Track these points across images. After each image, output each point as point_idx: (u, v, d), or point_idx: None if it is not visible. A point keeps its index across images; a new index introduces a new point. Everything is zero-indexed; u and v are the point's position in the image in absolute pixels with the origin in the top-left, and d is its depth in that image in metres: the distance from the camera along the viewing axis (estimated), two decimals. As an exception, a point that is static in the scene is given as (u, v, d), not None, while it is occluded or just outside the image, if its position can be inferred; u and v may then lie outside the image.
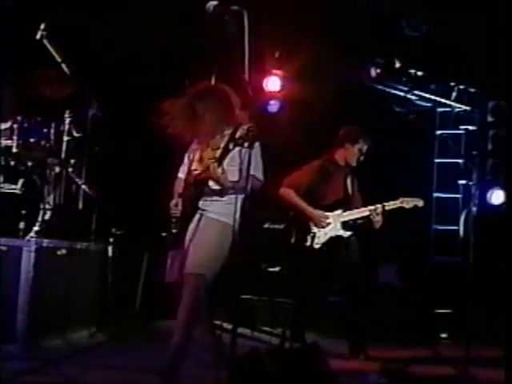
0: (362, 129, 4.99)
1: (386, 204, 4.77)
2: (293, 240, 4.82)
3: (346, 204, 4.85)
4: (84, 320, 4.58)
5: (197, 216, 3.69)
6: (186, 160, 3.87)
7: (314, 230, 4.78)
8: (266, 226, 6.07)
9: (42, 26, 4.97)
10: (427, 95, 6.99)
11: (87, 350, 3.87)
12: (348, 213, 4.81)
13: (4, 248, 4.01)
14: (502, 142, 6.90)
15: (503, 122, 6.90)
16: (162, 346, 3.92)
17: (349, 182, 4.96)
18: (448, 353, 4.73)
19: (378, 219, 4.72)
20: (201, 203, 3.68)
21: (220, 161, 3.59)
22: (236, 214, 3.56)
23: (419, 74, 6.76)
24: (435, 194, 7.16)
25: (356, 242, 4.86)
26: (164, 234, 3.85)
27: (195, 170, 3.71)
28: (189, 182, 3.74)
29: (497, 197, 6.71)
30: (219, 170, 3.55)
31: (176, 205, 3.73)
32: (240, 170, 3.63)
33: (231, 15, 2.57)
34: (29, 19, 5.19)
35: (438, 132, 7.23)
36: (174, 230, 3.73)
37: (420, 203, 4.85)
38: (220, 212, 3.67)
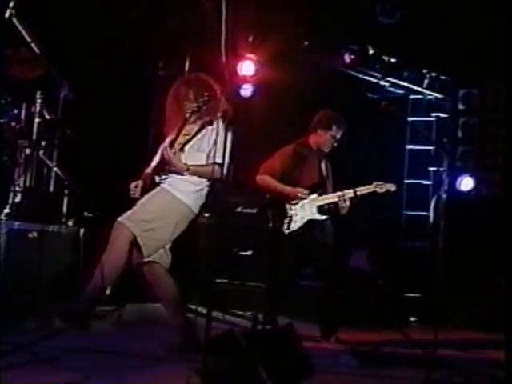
0: (337, 115, 5.00)
1: (358, 189, 4.81)
2: (270, 224, 4.82)
3: (322, 188, 4.88)
4: (55, 303, 4.53)
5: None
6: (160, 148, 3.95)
7: (291, 213, 4.80)
8: (239, 210, 6.10)
9: (11, 4, 4.86)
10: (400, 82, 7.05)
11: (59, 333, 3.84)
12: (324, 197, 4.84)
13: (-26, 231, 3.95)
14: (472, 130, 7.02)
15: (473, 109, 7.01)
16: (133, 330, 3.92)
17: (323, 166, 4.98)
18: (416, 336, 4.81)
19: (345, 205, 4.75)
20: (161, 179, 3.80)
21: (172, 143, 3.72)
22: (194, 194, 3.76)
23: (392, 60, 6.82)
24: (406, 181, 7.26)
25: (331, 225, 4.90)
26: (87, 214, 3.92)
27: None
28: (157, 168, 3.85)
29: (466, 183, 6.83)
30: (171, 152, 3.69)
31: (136, 186, 3.82)
32: (207, 157, 3.76)
33: (208, -2, 2.56)
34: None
35: (410, 119, 7.30)
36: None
37: (393, 188, 4.90)
38: (175, 186, 3.77)
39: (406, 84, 7.10)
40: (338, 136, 4.94)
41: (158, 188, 3.81)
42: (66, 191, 5.18)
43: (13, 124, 4.79)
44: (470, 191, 6.82)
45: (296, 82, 6.50)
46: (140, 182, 3.85)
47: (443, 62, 6.87)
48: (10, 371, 3.14)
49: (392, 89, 7.11)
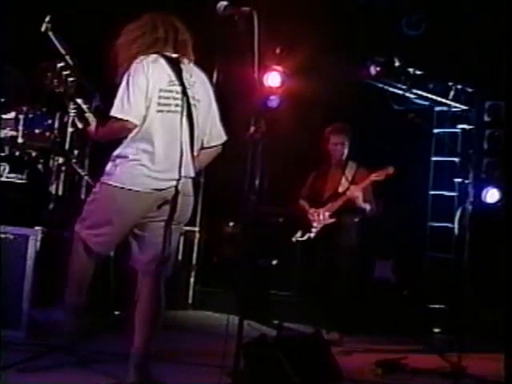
0: (332, 125, 5.40)
1: (358, 186, 5.10)
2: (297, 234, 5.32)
3: (335, 197, 5.21)
4: (87, 308, 4.64)
5: None
6: None
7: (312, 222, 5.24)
8: (266, 219, 6.20)
9: (47, 19, 5.02)
10: (425, 94, 7.08)
11: (90, 337, 3.94)
12: (330, 205, 5.21)
13: (11, 236, 4.08)
14: (498, 142, 7.01)
15: (499, 121, 7.01)
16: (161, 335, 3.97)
17: (346, 173, 5.28)
18: (441, 347, 4.83)
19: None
20: None
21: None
22: (124, 171, 3.13)
23: (418, 72, 6.86)
24: (431, 192, 7.27)
25: (352, 228, 5.18)
26: None
27: None
28: None
29: (492, 195, 6.82)
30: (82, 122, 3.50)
31: None
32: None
33: (241, 16, 2.65)
34: (34, 11, 5.24)
35: (435, 130, 7.32)
36: None
37: (391, 170, 5.14)
38: (106, 173, 3.27)
39: (431, 96, 7.12)
40: (339, 141, 5.27)
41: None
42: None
43: (47, 134, 4.94)
44: (495, 203, 6.80)
45: (322, 93, 6.56)
46: None
47: (469, 73, 6.89)
48: (47, 372, 3.25)
49: (418, 100, 7.14)
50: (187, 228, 7.09)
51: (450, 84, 7.11)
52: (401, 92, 6.94)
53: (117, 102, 3.19)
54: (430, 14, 6.54)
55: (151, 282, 3.22)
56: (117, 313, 4.97)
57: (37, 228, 4.23)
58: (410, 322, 5.86)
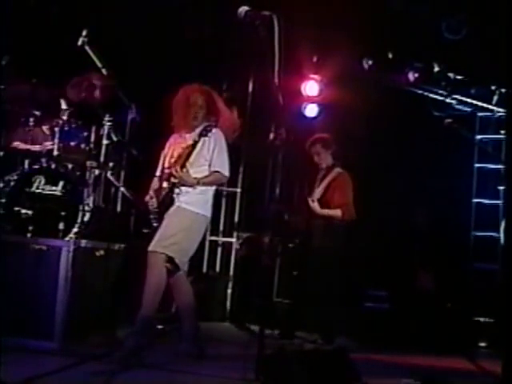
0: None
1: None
2: None
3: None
4: (119, 320, 4.64)
5: (172, 207, 4.09)
6: (161, 158, 4.31)
7: None
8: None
9: (84, 33, 5.09)
10: (467, 99, 6.90)
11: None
12: None
13: (44, 248, 4.12)
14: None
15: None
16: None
17: (320, 182, 5.54)
18: (486, 362, 4.64)
19: None
20: (175, 195, 4.08)
21: (183, 161, 4.04)
22: (207, 203, 4.12)
23: (458, 77, 6.69)
24: (475, 200, 7.05)
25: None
26: (146, 231, 4.23)
27: (168, 167, 4.17)
28: (163, 178, 4.18)
29: (539, 203, 6.56)
30: (180, 171, 4.02)
31: (151, 197, 4.15)
32: (209, 167, 4.12)
33: (262, 20, 2.60)
34: (71, 26, 5.33)
35: (478, 137, 7.11)
36: (154, 224, 4.12)
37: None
38: (189, 201, 4.08)
39: (473, 101, 6.93)
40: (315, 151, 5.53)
41: (174, 207, 4.10)
42: (133, 210, 5.33)
43: (82, 146, 4.99)
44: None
45: (361, 101, 6.48)
46: (152, 193, 4.19)
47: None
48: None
49: (459, 106, 6.96)
50: (225, 239, 7.08)
51: (494, 88, 6.89)
52: (441, 98, 6.78)
53: (225, 165, 4.17)
54: (470, 17, 6.37)
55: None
56: (159, 327, 4.96)
57: (70, 240, 4.26)
58: (454, 335, 5.67)
